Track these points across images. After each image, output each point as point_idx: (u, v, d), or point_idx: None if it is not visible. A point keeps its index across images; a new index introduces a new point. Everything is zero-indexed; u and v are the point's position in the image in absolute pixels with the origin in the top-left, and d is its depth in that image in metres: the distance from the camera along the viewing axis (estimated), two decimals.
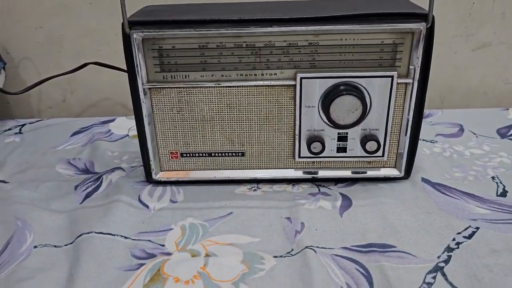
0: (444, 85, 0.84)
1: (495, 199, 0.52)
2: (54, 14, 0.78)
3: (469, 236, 0.46)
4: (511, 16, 0.78)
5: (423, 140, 0.67)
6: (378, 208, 0.51)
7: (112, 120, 0.77)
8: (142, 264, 0.44)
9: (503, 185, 0.55)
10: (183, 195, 0.55)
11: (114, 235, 0.47)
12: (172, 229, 0.49)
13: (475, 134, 0.68)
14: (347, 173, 0.57)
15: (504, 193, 0.53)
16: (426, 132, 0.69)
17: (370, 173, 0.56)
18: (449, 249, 0.45)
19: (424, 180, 0.56)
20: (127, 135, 0.71)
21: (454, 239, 0.46)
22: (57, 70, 0.76)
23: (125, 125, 0.74)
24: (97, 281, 0.42)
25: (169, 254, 0.45)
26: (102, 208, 0.52)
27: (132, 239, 0.47)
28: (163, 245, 0.46)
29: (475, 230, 0.47)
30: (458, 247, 0.45)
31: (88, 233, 0.47)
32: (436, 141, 0.66)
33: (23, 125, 0.76)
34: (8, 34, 0.79)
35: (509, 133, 0.68)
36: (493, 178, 0.56)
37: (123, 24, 0.48)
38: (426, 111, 0.77)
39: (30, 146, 0.69)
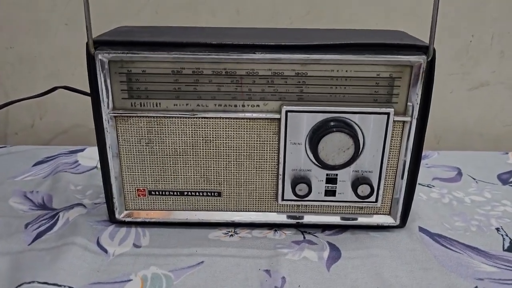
0: (439, 125, 0.79)
1: (502, 255, 0.46)
2: (27, 34, 0.73)
3: None
4: (510, 55, 0.74)
5: (419, 184, 0.61)
6: (370, 261, 0.45)
7: (82, 150, 0.70)
8: None
9: (510, 238, 0.49)
10: (149, 238, 0.48)
11: (60, 286, 0.40)
12: (131, 280, 0.42)
13: (474, 179, 0.63)
14: (335, 219, 0.50)
15: (511, 248, 0.47)
16: (423, 176, 0.63)
17: (362, 220, 0.50)
18: None
19: (421, 229, 0.50)
20: (96, 167, 0.64)
21: None
22: (27, 92, 0.70)
23: (95, 155, 0.67)
24: None
25: None
26: (52, 252, 0.45)
27: None
28: None
29: None
30: None
31: (29, 282, 0.40)
32: (433, 186, 0.61)
33: None
34: None
35: (511, 180, 0.63)
36: (497, 229, 0.51)
37: (87, 44, 0.43)
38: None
39: None
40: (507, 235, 0.50)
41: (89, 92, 0.45)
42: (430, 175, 0.64)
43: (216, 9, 0.72)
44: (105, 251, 0.46)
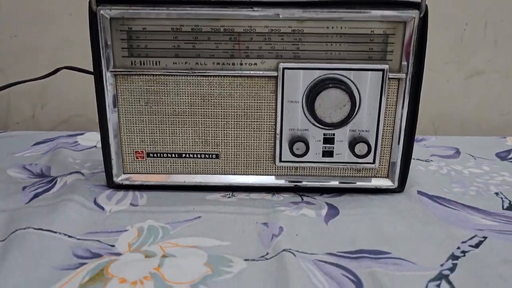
0: (437, 114, 0.80)
1: (502, 212, 0.46)
2: (31, 24, 0.75)
3: (476, 246, 0.39)
4: (504, 44, 0.76)
5: (417, 159, 0.61)
6: (369, 217, 0.44)
7: (82, 134, 0.70)
8: (83, 264, 0.36)
9: (509, 200, 0.49)
10: (147, 199, 0.48)
11: (55, 232, 0.40)
12: (127, 230, 0.41)
13: (472, 156, 0.63)
14: (334, 183, 0.50)
15: (511, 207, 0.47)
16: (421, 153, 0.64)
17: (360, 184, 0.50)
18: (453, 257, 0.38)
19: (420, 193, 0.50)
20: (95, 146, 0.65)
21: (459, 248, 0.39)
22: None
23: (94, 138, 0.68)
24: (24, 277, 0.34)
25: (118, 254, 0.37)
26: (49, 207, 0.44)
27: (77, 239, 0.40)
28: (113, 246, 0.39)
29: (482, 239, 0.40)
30: (464, 255, 0.38)
31: (24, 228, 0.40)
32: (432, 160, 0.61)
33: None
34: None
35: (509, 156, 0.63)
36: (496, 193, 0.50)
37: (90, 1, 0.44)
38: (419, 136, 0.72)
39: None
40: (506, 198, 0.49)
41: (91, 50, 0.46)
42: (428, 152, 0.64)
43: None
44: (102, 208, 0.46)
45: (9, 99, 0.77)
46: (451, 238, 0.41)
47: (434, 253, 0.38)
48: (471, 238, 0.40)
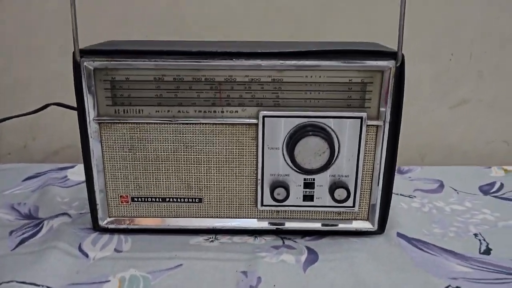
0: (423, 143, 0.81)
1: (478, 257, 0.47)
2: (22, 57, 0.76)
3: None
4: (488, 74, 0.77)
5: (400, 195, 0.62)
6: (347, 263, 0.45)
7: (72, 167, 0.71)
8: None
9: (487, 242, 0.50)
10: (131, 244, 0.49)
11: (38, 285, 0.41)
12: (109, 281, 0.42)
13: (456, 190, 0.64)
14: (314, 225, 0.51)
15: (487, 251, 0.48)
16: (405, 187, 0.65)
17: (340, 226, 0.51)
18: None
19: (399, 235, 0.51)
20: (84, 181, 0.65)
21: None
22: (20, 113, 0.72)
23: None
24: None
25: None
26: (34, 255, 0.45)
27: None
28: None
29: None
30: None
31: (8, 282, 0.41)
32: (415, 196, 0.62)
33: None
34: None
35: (492, 190, 0.64)
36: (475, 235, 0.51)
37: (74, 53, 0.45)
38: (405, 167, 0.73)
39: None
40: (484, 240, 0.50)
41: (76, 98, 0.47)
42: (412, 187, 0.65)
43: (204, 34, 0.75)
44: (86, 255, 0.46)
45: (0, 131, 0.78)
46: (426, 287, 0.41)
47: None
48: None
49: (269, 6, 0.75)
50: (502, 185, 0.65)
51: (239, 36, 0.75)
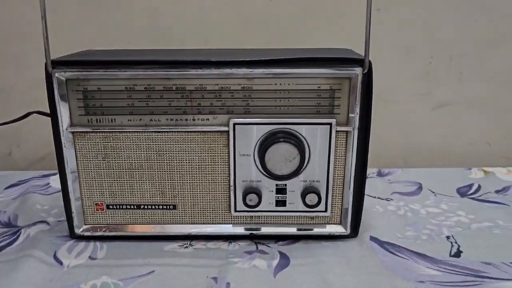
0: (405, 145, 0.81)
1: (448, 260, 0.47)
2: (4, 65, 0.76)
3: None
4: (468, 76, 0.78)
5: (378, 197, 0.63)
6: (317, 267, 0.46)
7: (55, 174, 0.72)
8: None
9: (458, 244, 0.50)
10: (106, 251, 0.50)
11: None
12: None
13: (433, 192, 0.64)
14: (287, 230, 0.52)
15: (458, 253, 0.48)
16: (383, 190, 0.65)
17: (313, 230, 0.52)
18: None
19: (372, 238, 0.52)
20: None
21: None
22: (3, 121, 0.73)
23: None
24: None
25: None
26: (10, 264, 0.46)
27: None
28: None
29: None
30: None
31: None
32: (392, 199, 0.62)
33: None
34: None
35: (469, 192, 0.64)
36: (448, 237, 0.52)
37: (46, 64, 0.46)
38: (385, 170, 0.74)
39: None
40: (456, 242, 0.51)
41: (49, 109, 0.48)
42: (390, 189, 0.65)
43: (186, 40, 0.76)
44: (61, 263, 0.47)
45: None
46: None
47: None
48: None
49: (248, 13, 0.75)
50: (479, 187, 0.66)
51: (219, 41, 0.76)
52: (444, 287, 0.43)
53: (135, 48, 0.75)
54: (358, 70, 0.46)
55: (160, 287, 0.43)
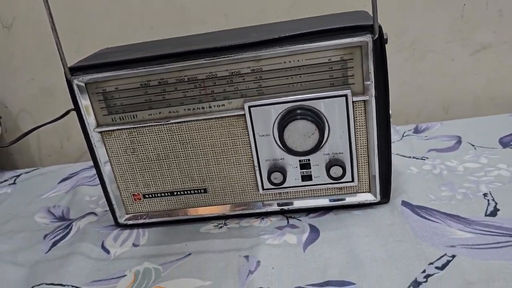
0: (446, 96, 0.77)
1: (483, 220, 0.46)
2: (45, 66, 0.81)
3: (442, 267, 0.40)
4: (509, 13, 0.71)
5: (413, 157, 0.61)
6: (346, 239, 0.46)
7: None
8: None
9: (495, 202, 0.48)
10: (147, 237, 0.53)
11: (64, 285, 0.46)
12: (126, 275, 0.47)
13: (473, 146, 0.62)
14: (320, 202, 0.52)
15: (494, 212, 0.47)
16: (418, 148, 0.63)
17: (347, 200, 0.52)
18: (415, 283, 0.39)
19: (404, 203, 0.51)
20: None
21: (424, 271, 0.40)
22: (51, 119, 0.78)
23: None
24: None
25: None
26: (63, 258, 0.51)
27: None
28: None
29: (450, 259, 0.41)
30: (426, 281, 0.39)
31: (39, 285, 0.46)
32: (427, 158, 0.60)
33: (19, 175, 0.78)
34: (3, 89, 0.83)
35: None
36: (485, 195, 0.50)
37: (64, 72, 0.48)
38: (423, 125, 0.71)
39: (19, 196, 0.70)
40: (493, 200, 0.49)
41: (76, 113, 0.50)
42: (426, 147, 0.63)
43: (205, 17, 0.76)
44: (108, 252, 0.51)
45: (38, 137, 0.85)
46: (420, 258, 0.42)
47: (399, 279, 0.40)
48: (439, 258, 0.41)
49: None
50: None
51: (239, 14, 0.75)
52: (475, 249, 0.42)
53: (156, 31, 0.76)
54: (368, 37, 0.44)
55: (194, 270, 0.46)
